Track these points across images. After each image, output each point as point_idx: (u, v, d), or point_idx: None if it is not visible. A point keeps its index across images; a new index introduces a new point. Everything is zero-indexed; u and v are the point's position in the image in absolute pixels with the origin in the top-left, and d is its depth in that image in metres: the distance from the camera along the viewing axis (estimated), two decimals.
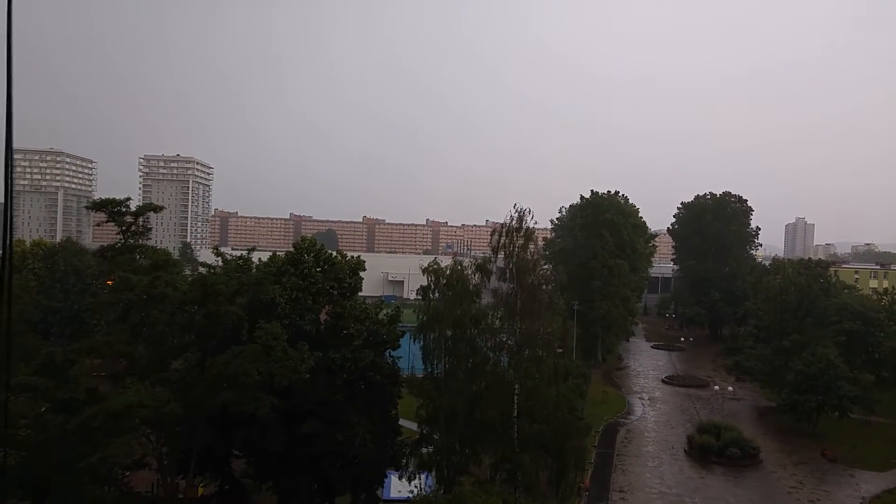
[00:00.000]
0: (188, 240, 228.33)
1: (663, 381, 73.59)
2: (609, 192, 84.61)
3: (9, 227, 5.02)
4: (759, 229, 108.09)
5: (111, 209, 29.01)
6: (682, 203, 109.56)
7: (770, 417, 57.82)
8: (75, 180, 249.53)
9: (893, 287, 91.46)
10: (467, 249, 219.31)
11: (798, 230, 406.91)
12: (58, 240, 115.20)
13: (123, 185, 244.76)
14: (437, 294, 33.81)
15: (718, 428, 49.18)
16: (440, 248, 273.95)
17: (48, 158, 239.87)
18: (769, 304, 67.38)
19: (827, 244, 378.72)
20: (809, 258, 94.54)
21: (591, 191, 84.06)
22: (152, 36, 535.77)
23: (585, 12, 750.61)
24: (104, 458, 22.61)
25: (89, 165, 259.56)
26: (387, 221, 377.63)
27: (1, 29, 3.37)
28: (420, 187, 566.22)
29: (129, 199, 29.87)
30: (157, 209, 32.07)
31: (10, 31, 3.34)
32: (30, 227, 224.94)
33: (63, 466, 22.21)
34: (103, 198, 30.07)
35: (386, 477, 33.52)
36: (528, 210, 33.37)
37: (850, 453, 47.86)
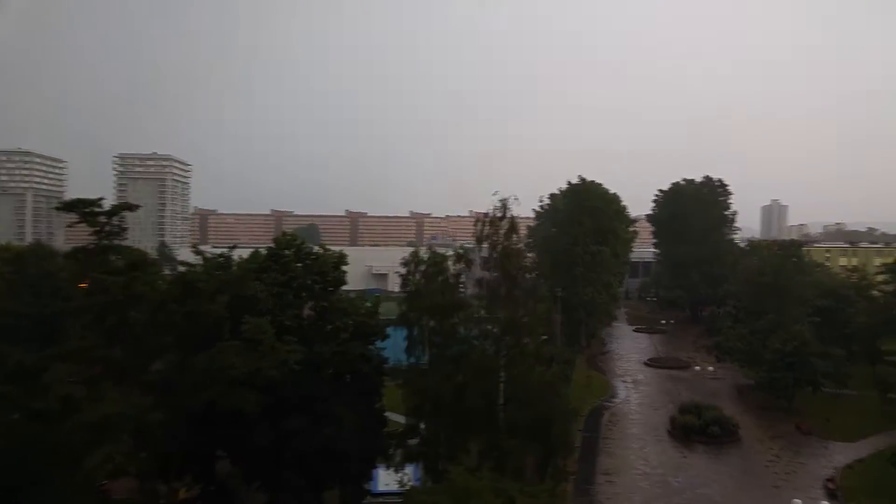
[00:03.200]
0: (167, 239, 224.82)
1: (646, 363, 74.60)
2: (587, 179, 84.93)
3: None
4: (736, 213, 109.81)
5: (82, 209, 28.26)
6: (659, 190, 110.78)
7: (749, 395, 59.09)
8: (45, 181, 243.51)
9: (863, 264, 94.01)
10: (451, 240, 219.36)
11: (773, 212, 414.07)
12: (27, 242, 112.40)
13: (97, 184, 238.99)
14: (417, 284, 33.82)
15: (700, 408, 50.21)
16: (424, 239, 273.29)
17: (16, 159, 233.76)
18: (747, 286, 68.60)
19: (801, 224, 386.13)
20: (784, 239, 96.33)
21: (579, 178, 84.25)
22: (124, 33, 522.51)
23: None
24: (87, 473, 22.09)
25: (59, 165, 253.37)
26: (370, 214, 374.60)
27: None
28: (402, 179, 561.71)
29: (101, 198, 29.12)
30: (133, 208, 31.44)
31: None
32: None
33: (37, 477, 21.64)
34: (74, 198, 29.35)
35: (374, 469, 33.49)
36: (511, 199, 33.42)
37: (824, 426, 49.32)
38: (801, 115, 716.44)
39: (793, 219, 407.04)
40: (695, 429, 47.82)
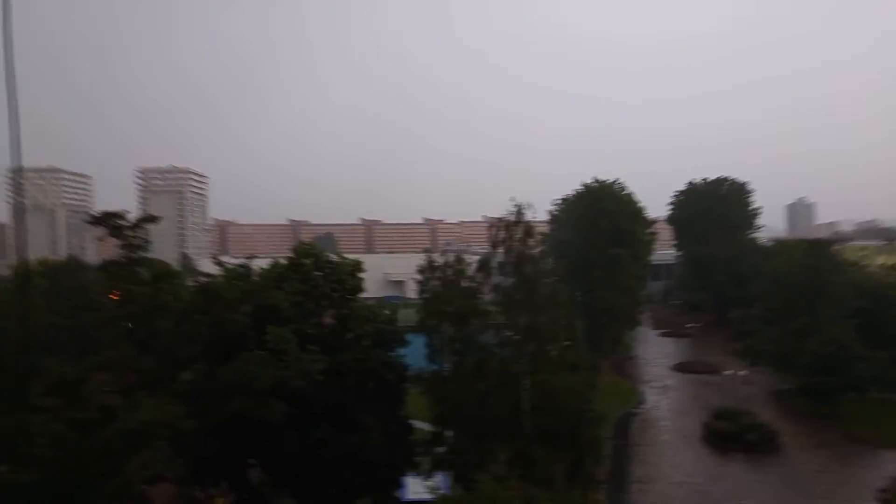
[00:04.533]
0: (187, 250, 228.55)
1: (674, 368, 73.15)
2: (603, 180, 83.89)
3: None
4: (760, 211, 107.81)
5: (110, 223, 28.74)
6: (676, 191, 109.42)
7: (786, 400, 57.21)
8: (75, 196, 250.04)
9: None
10: (466, 245, 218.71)
11: (799, 210, 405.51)
12: (61, 257, 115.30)
13: (121, 198, 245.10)
14: (434, 290, 33.62)
15: (734, 413, 48.60)
16: (439, 245, 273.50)
17: (46, 176, 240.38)
18: (776, 286, 66.80)
19: (830, 222, 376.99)
20: (814, 237, 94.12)
21: (593, 179, 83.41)
22: (138, 47, 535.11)
23: None
24: (127, 478, 22.48)
25: (87, 181, 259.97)
26: (384, 222, 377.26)
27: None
28: (415, 186, 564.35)
29: (126, 211, 29.61)
30: (155, 220, 31.80)
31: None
32: (32, 245, 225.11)
33: (82, 484, 22.10)
34: (102, 211, 29.84)
35: (403, 477, 33.25)
36: (526, 203, 33.10)
37: (873, 433, 47.03)
38: (824, 107, 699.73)
39: (821, 216, 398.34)
40: (731, 436, 46.16)
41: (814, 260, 64.83)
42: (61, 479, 21.34)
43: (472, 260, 35.94)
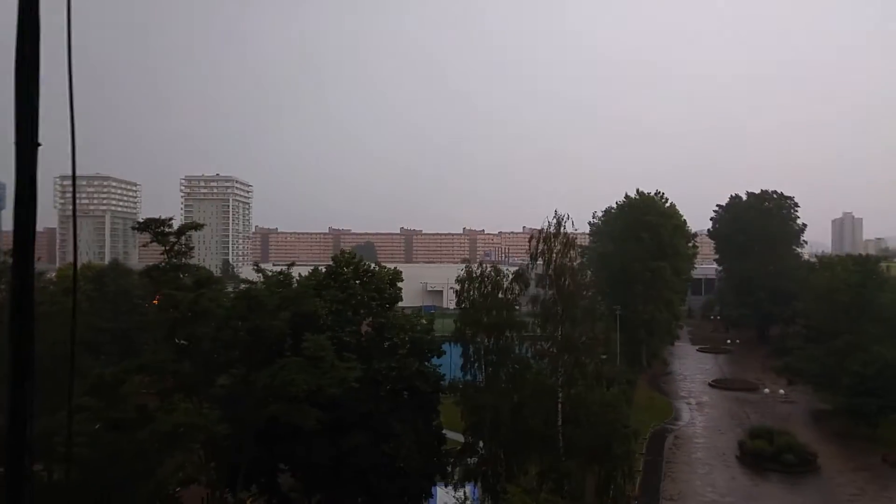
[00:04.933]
0: (230, 257, 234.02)
1: (710, 384, 71.47)
2: (646, 192, 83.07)
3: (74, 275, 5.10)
4: (805, 226, 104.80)
5: (155, 229, 29.81)
6: (717, 205, 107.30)
7: (825, 421, 55.37)
8: (121, 203, 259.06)
9: None
10: (505, 256, 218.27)
11: (846, 225, 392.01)
12: (106, 262, 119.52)
13: (166, 205, 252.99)
14: (472, 300, 33.79)
15: (771, 433, 47.26)
16: (478, 255, 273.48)
17: (95, 183, 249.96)
18: (819, 303, 64.89)
19: (878, 238, 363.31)
20: (860, 254, 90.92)
21: (635, 191, 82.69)
22: (186, 55, 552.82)
23: (618, 7, 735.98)
24: (161, 480, 23.08)
25: (134, 188, 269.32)
26: (424, 232, 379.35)
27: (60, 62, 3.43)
28: (456, 196, 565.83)
29: (171, 218, 30.66)
30: (198, 227, 32.85)
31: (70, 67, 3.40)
32: (79, 251, 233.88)
33: (118, 482, 22.77)
34: (147, 218, 30.98)
35: (433, 487, 33.37)
36: (566, 215, 33.12)
37: None
38: (871, 120, 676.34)
39: (868, 232, 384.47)
40: (767, 455, 44.93)
41: (859, 277, 62.75)
42: (97, 479, 21.98)
43: (511, 271, 36.02)
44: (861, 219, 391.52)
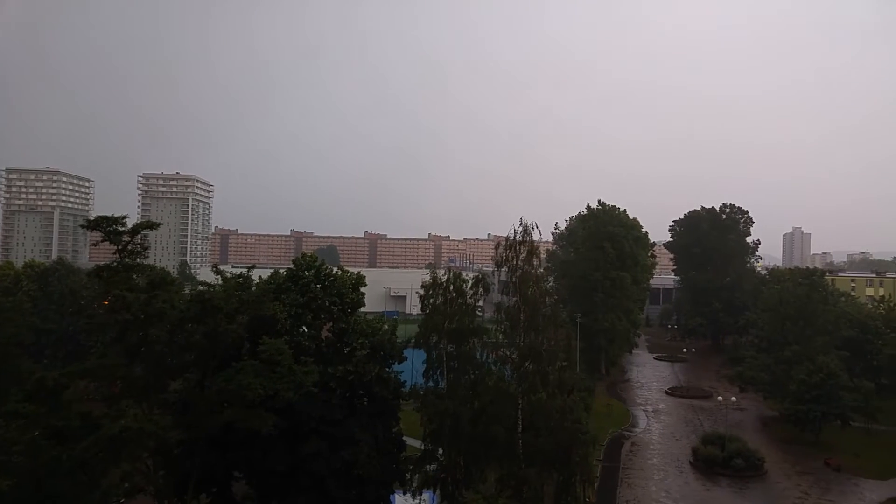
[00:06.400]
0: (188, 258, 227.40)
1: (667, 392, 73.06)
2: (607, 204, 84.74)
3: None
4: (759, 242, 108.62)
5: (106, 227, 28.49)
6: (675, 220, 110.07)
7: (773, 427, 57.38)
8: (72, 199, 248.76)
9: (890, 295, 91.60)
10: (470, 263, 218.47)
11: (795, 240, 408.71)
12: (53, 260, 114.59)
13: (122, 203, 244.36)
14: (435, 307, 33.64)
15: (723, 439, 48.73)
16: (442, 262, 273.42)
17: (44, 178, 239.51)
18: (769, 314, 67.24)
19: (823, 253, 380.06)
20: (807, 267, 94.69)
21: (597, 201, 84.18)
22: (147, 53, 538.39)
23: (590, 19, 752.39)
24: (104, 492, 22.02)
25: (86, 184, 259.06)
26: (389, 236, 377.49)
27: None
28: (422, 202, 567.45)
29: (125, 217, 29.37)
30: (154, 226, 31.71)
31: None
32: (24, 248, 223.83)
33: (57, 494, 21.57)
34: (98, 216, 29.65)
35: (391, 495, 32.92)
36: (531, 224, 33.37)
37: (854, 462, 47.44)
38: (823, 140, 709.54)
39: (816, 247, 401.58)
40: (718, 461, 46.36)
41: (805, 289, 65.28)
42: (33, 491, 20.78)
43: (474, 277, 36.02)
44: (810, 234, 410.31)
